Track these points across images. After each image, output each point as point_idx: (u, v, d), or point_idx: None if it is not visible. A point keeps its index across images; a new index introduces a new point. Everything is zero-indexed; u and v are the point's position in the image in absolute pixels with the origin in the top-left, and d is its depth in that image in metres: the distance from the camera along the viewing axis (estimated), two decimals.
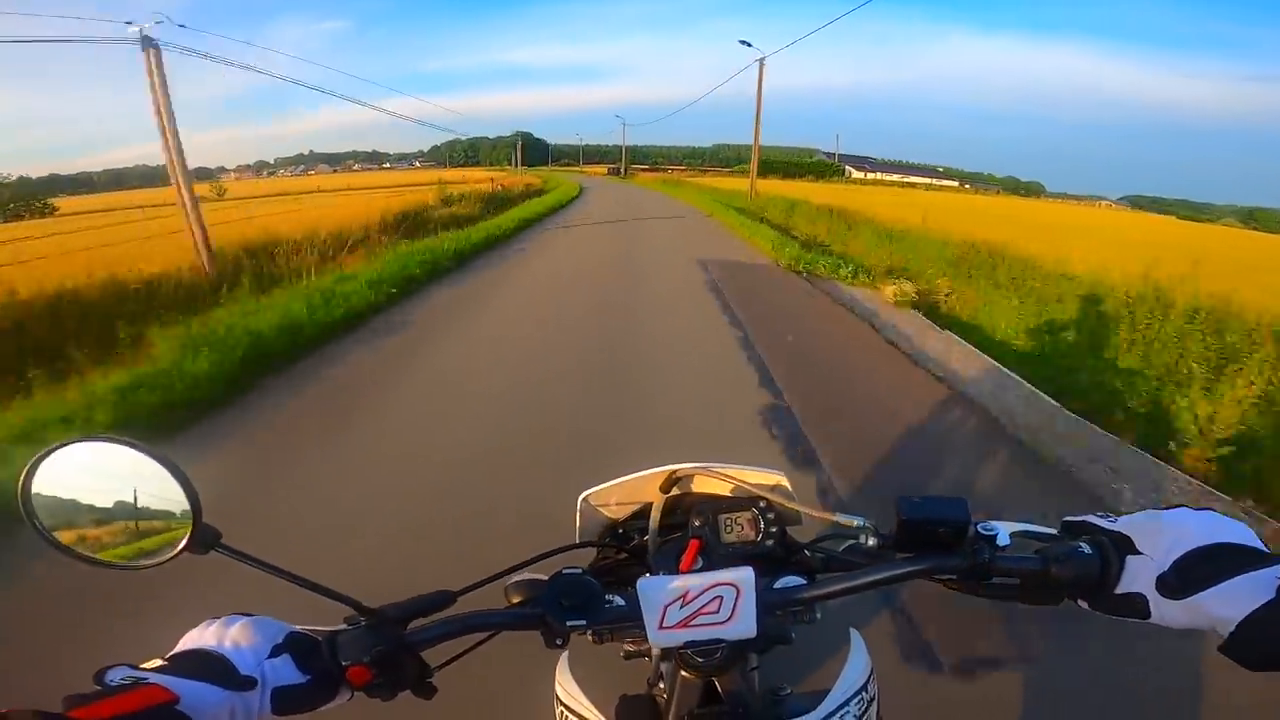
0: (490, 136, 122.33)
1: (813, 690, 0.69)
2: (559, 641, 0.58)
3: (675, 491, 0.79)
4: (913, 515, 0.56)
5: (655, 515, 0.78)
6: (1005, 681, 1.70)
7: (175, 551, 0.50)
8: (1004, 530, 0.56)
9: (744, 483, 0.74)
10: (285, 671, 0.48)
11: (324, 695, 0.50)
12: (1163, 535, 0.48)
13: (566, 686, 0.76)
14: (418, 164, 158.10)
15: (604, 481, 0.80)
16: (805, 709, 0.65)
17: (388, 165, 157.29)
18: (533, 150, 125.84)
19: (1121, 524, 0.51)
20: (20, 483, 0.48)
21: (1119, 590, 0.49)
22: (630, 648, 0.83)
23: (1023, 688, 1.68)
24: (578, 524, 0.83)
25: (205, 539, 0.49)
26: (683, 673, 0.62)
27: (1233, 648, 0.42)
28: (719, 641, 0.56)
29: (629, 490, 0.81)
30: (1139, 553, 0.48)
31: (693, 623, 0.53)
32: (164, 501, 0.50)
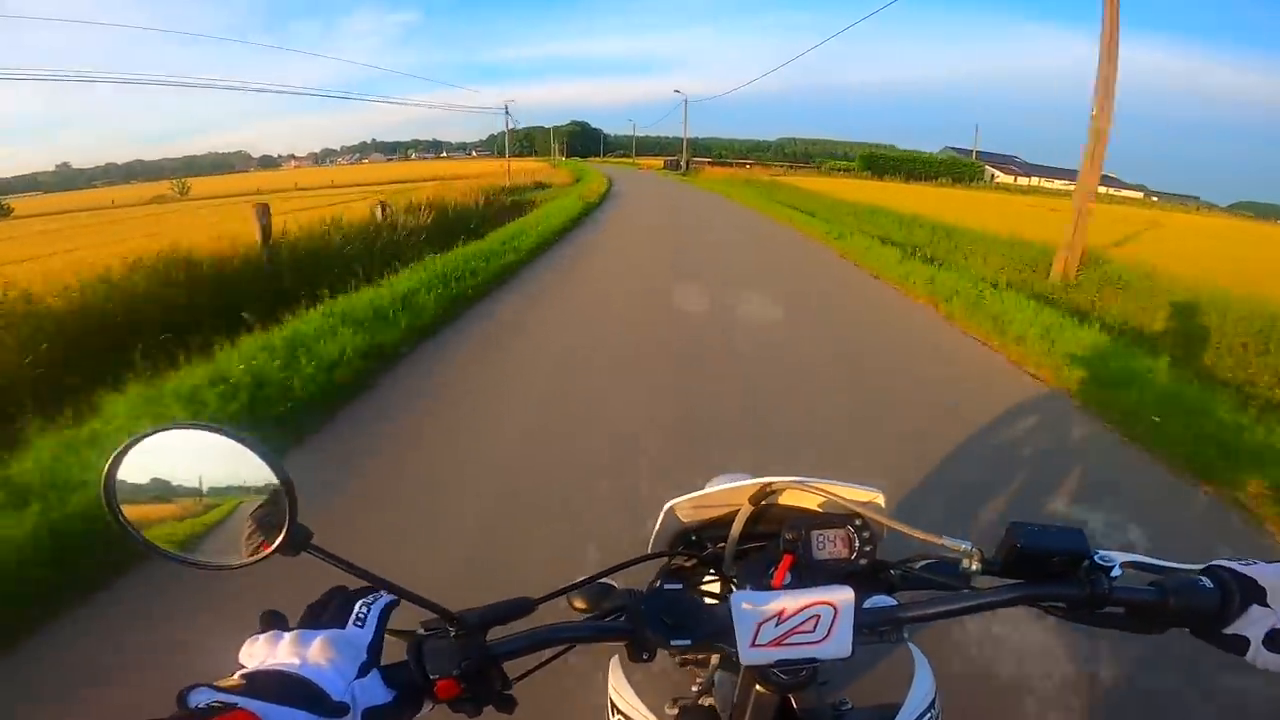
0: (546, 126, 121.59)
1: (876, 705, 0.71)
2: (645, 656, 0.58)
3: (765, 503, 0.78)
4: (1030, 544, 0.56)
5: (739, 523, 0.77)
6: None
7: (268, 551, 0.48)
8: (1119, 560, 0.57)
9: (840, 498, 0.73)
10: (375, 691, 0.47)
11: (410, 710, 0.49)
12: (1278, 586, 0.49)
13: (622, 691, 0.76)
14: (474, 153, 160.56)
15: (691, 491, 0.77)
16: None
17: (444, 155, 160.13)
18: (587, 140, 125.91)
19: (1256, 571, 0.53)
20: (104, 473, 0.46)
21: (1229, 631, 0.52)
22: (688, 654, 0.82)
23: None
24: (656, 530, 0.81)
25: (297, 539, 0.48)
26: (758, 687, 0.63)
27: None
28: (810, 661, 0.55)
29: (716, 500, 0.79)
30: (1266, 605, 0.51)
31: (786, 641, 0.54)
32: (256, 495, 0.48)
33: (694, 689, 0.86)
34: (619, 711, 0.76)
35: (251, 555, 0.49)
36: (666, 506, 0.79)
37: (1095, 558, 0.56)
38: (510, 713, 0.55)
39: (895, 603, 0.62)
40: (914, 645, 0.80)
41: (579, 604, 0.63)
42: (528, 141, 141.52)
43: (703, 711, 0.77)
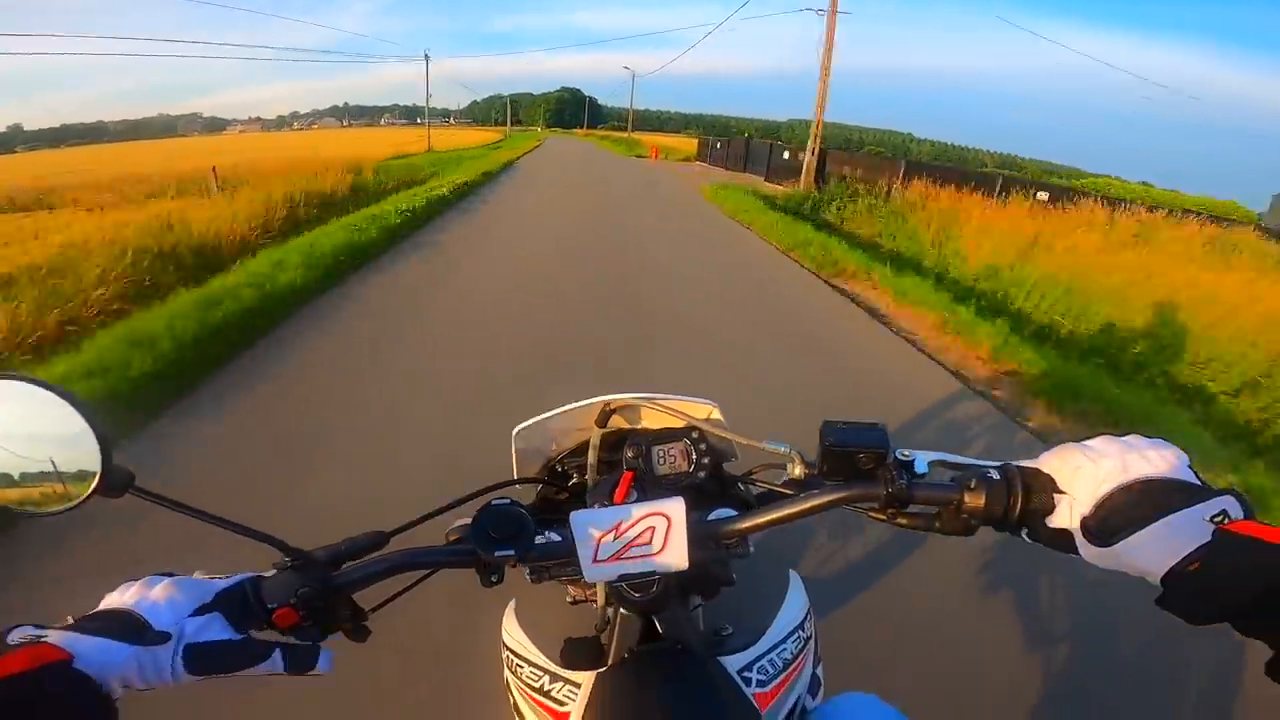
0: (535, 93, 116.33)
1: (752, 630, 0.75)
2: (494, 579, 0.62)
3: (612, 425, 0.84)
4: (836, 441, 0.60)
5: (593, 450, 0.84)
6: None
7: (86, 495, 0.50)
8: (921, 458, 0.60)
9: (676, 412, 0.80)
10: (206, 628, 0.49)
11: (250, 655, 0.50)
12: (1083, 471, 0.49)
13: (513, 633, 0.81)
14: (452, 121, 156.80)
15: (536, 415, 0.82)
16: (744, 645, 0.71)
17: (420, 121, 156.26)
18: (577, 109, 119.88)
19: (1043, 459, 0.54)
20: None
21: (1052, 524, 0.51)
22: (575, 592, 0.96)
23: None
24: (514, 460, 0.87)
25: (118, 481, 0.50)
26: (622, 610, 0.72)
27: (1166, 601, 0.44)
28: (650, 573, 0.61)
29: (564, 424, 0.85)
30: (1062, 491, 0.51)
31: (625, 555, 0.58)
32: (71, 442, 0.50)
33: (594, 627, 0.90)
34: (509, 650, 0.80)
35: (75, 500, 0.51)
36: (514, 432, 0.84)
37: (897, 454, 0.60)
38: (363, 640, 0.59)
39: (734, 513, 0.66)
40: (792, 570, 0.86)
41: (452, 539, 0.66)
42: (514, 108, 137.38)
43: (586, 642, 0.82)
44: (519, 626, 0.81)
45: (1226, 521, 0.42)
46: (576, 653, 0.79)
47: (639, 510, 0.57)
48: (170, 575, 0.52)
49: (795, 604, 0.79)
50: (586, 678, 0.69)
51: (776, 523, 0.62)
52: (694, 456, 0.81)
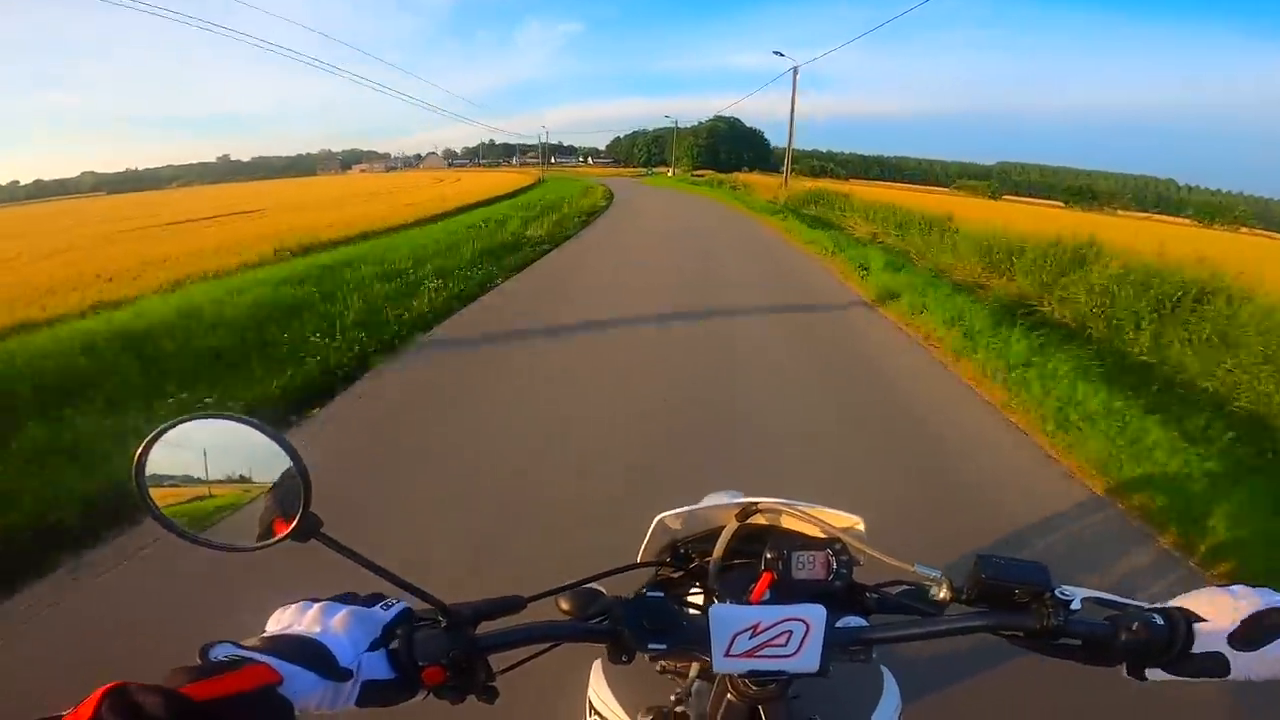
0: (685, 126, 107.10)
1: None
2: (624, 659, 0.71)
3: (750, 521, 0.93)
4: (994, 575, 0.69)
5: (724, 540, 0.92)
6: None
7: (279, 537, 0.60)
8: (1079, 596, 0.69)
9: (822, 523, 0.87)
10: (379, 667, 0.59)
11: (404, 693, 0.62)
12: (1224, 603, 0.64)
13: (600, 693, 0.93)
14: (590, 160, 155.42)
15: (680, 506, 0.95)
16: None
17: (553, 161, 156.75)
18: (736, 145, 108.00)
19: (1186, 599, 0.67)
20: (134, 457, 0.58)
21: (1195, 650, 0.63)
22: (668, 664, 1.01)
23: None
24: (645, 541, 0.97)
25: (307, 527, 0.59)
26: (729, 696, 0.78)
27: None
28: (779, 674, 0.70)
29: (704, 516, 0.95)
30: (1205, 620, 0.64)
31: (759, 653, 0.66)
32: (274, 481, 0.60)
33: (671, 699, 1.00)
34: (596, 712, 0.90)
35: (264, 540, 0.60)
36: (656, 519, 0.94)
37: (1056, 591, 0.68)
38: (491, 703, 0.67)
39: (866, 624, 0.75)
40: (885, 668, 0.98)
41: (565, 606, 0.75)
42: (656, 147, 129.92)
43: (675, 717, 0.91)
44: (607, 688, 0.96)
45: None
46: None
47: (780, 613, 0.66)
48: (340, 600, 0.62)
49: (890, 702, 0.92)
50: None
51: (917, 639, 0.71)
52: (834, 567, 0.87)
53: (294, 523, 0.58)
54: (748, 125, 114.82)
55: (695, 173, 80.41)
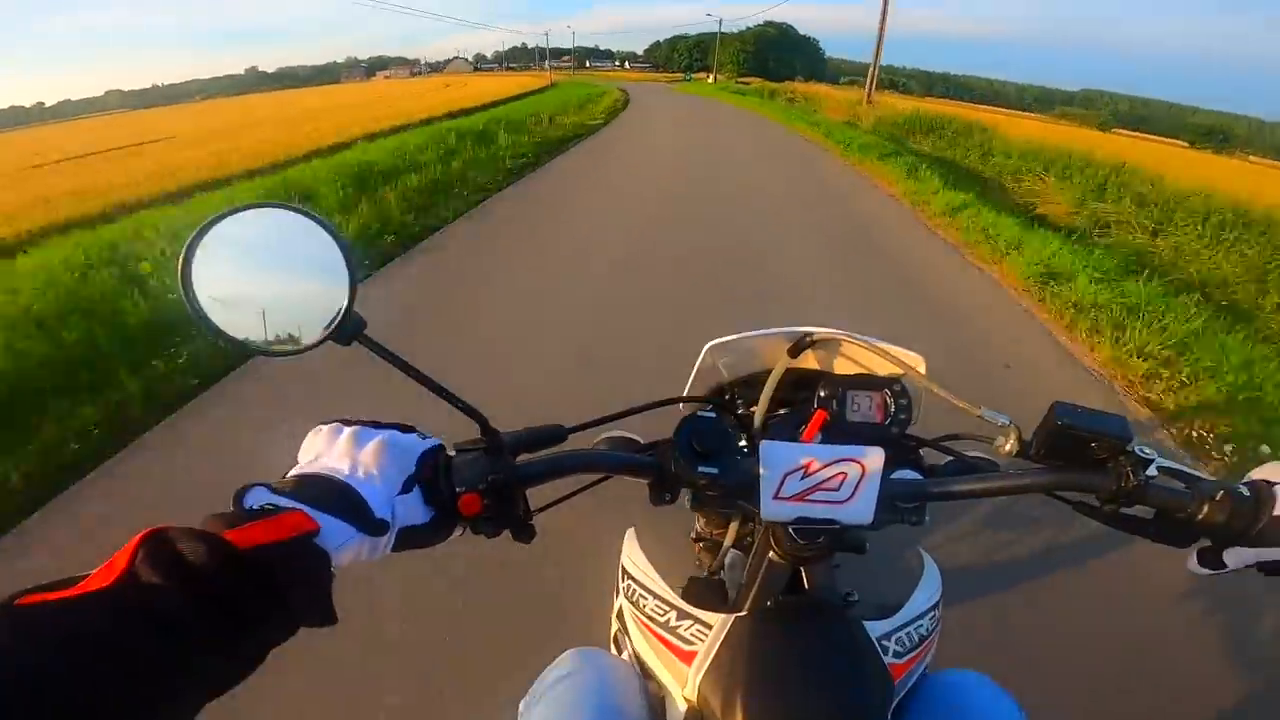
0: (731, 31, 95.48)
1: (884, 602, 0.79)
2: (668, 497, 0.69)
3: (802, 361, 0.90)
4: (1071, 422, 0.61)
5: (774, 378, 0.88)
6: None
7: (318, 339, 0.56)
8: (1156, 462, 0.61)
9: (883, 356, 0.83)
10: (414, 511, 0.57)
11: (441, 532, 0.59)
12: None
13: (637, 562, 0.86)
14: (628, 65, 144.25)
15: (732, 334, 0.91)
16: (880, 615, 0.75)
17: (588, 65, 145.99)
18: (785, 51, 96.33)
19: (1258, 471, 0.63)
20: (180, 257, 0.54)
21: (1274, 514, 0.59)
22: (702, 529, 1.04)
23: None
24: (695, 370, 0.94)
25: (350, 328, 0.56)
26: (772, 554, 0.74)
27: None
28: (830, 523, 0.63)
29: (757, 346, 0.92)
30: None
31: (809, 497, 0.61)
32: (320, 278, 0.56)
33: (705, 572, 0.95)
34: (631, 578, 0.85)
35: (307, 343, 0.57)
36: (707, 346, 0.91)
37: (1137, 449, 0.61)
38: (528, 540, 0.64)
39: (922, 478, 0.72)
40: (925, 552, 0.91)
41: (605, 449, 0.76)
42: (698, 52, 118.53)
43: (712, 583, 0.88)
44: (641, 553, 0.87)
45: None
46: (702, 593, 0.85)
47: (836, 453, 0.60)
48: (371, 424, 0.58)
49: (930, 585, 0.84)
50: (718, 619, 0.74)
51: (974, 495, 0.68)
52: (892, 410, 0.84)
53: (336, 322, 0.55)
54: (801, 32, 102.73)
55: (740, 80, 69.84)
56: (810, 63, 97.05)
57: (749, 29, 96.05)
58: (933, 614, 0.79)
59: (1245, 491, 0.60)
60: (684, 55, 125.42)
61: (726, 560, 0.95)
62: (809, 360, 0.89)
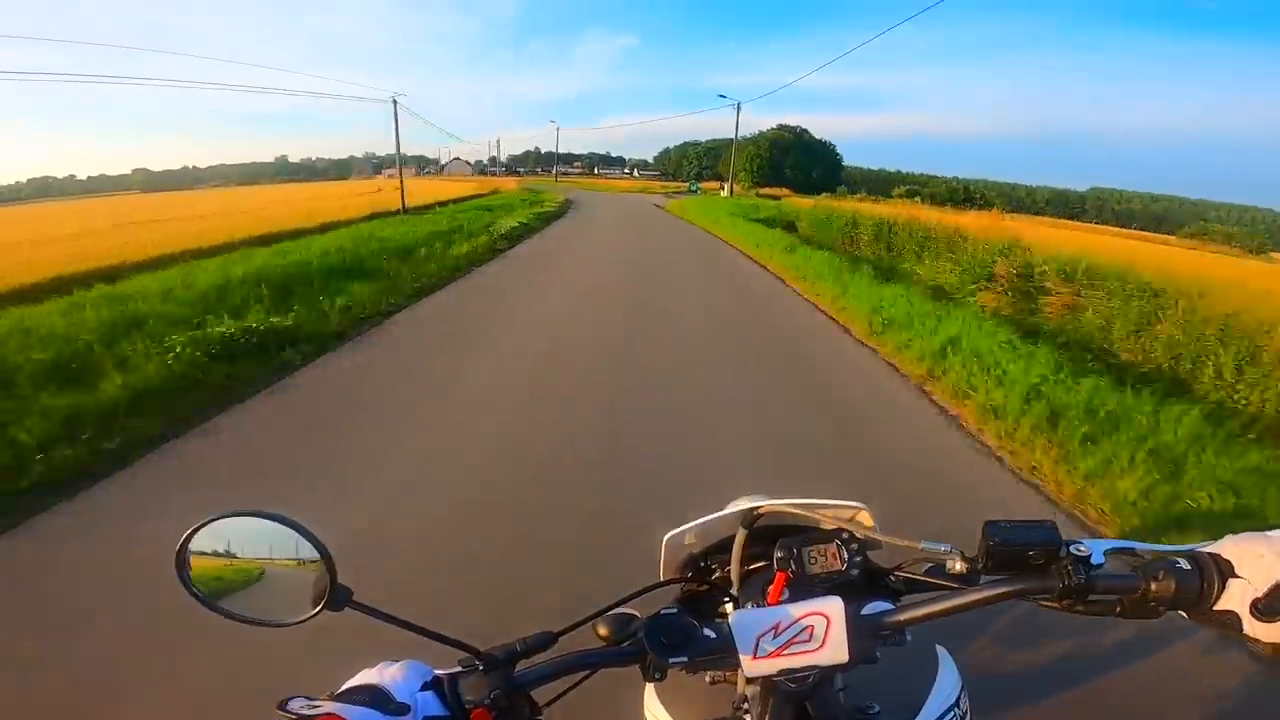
0: (746, 135, 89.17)
1: (902, 706, 0.85)
2: (657, 675, 0.77)
3: (758, 525, 0.98)
4: (1002, 540, 0.69)
5: (737, 549, 0.98)
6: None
7: (315, 610, 0.71)
8: (1099, 548, 0.70)
9: (825, 516, 0.90)
10: (432, 705, 0.69)
11: None
12: (1264, 560, 0.62)
13: (655, 712, 0.98)
14: (636, 172, 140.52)
15: (686, 523, 1.01)
16: None
17: (597, 171, 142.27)
18: (804, 158, 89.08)
19: (1225, 544, 0.67)
20: (176, 551, 0.70)
21: (1216, 607, 0.64)
22: (716, 674, 1.02)
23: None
24: (661, 561, 1.06)
25: (340, 598, 0.69)
26: (775, 697, 0.79)
27: None
28: (811, 668, 0.73)
29: (711, 528, 1.02)
30: (1239, 576, 0.63)
31: (786, 651, 0.71)
32: (304, 565, 0.71)
33: (731, 706, 0.98)
34: None
35: (305, 613, 0.71)
36: (665, 538, 1.03)
37: (1070, 548, 0.69)
38: None
39: (892, 606, 0.80)
40: (940, 646, 0.97)
41: (602, 632, 0.81)
42: (708, 159, 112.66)
43: None
44: (662, 708, 0.98)
45: None
46: None
47: (798, 610, 0.71)
48: (396, 662, 0.73)
49: (948, 681, 0.89)
50: None
51: (943, 614, 0.73)
52: (846, 556, 0.90)
53: (326, 597, 0.69)
54: (814, 138, 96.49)
55: (762, 192, 57.43)
56: (828, 169, 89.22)
57: (762, 134, 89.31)
58: (952, 713, 0.85)
59: (1187, 567, 0.66)
60: (693, 163, 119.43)
61: (748, 694, 0.92)
62: (765, 521, 0.98)
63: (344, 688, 0.66)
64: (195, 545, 0.68)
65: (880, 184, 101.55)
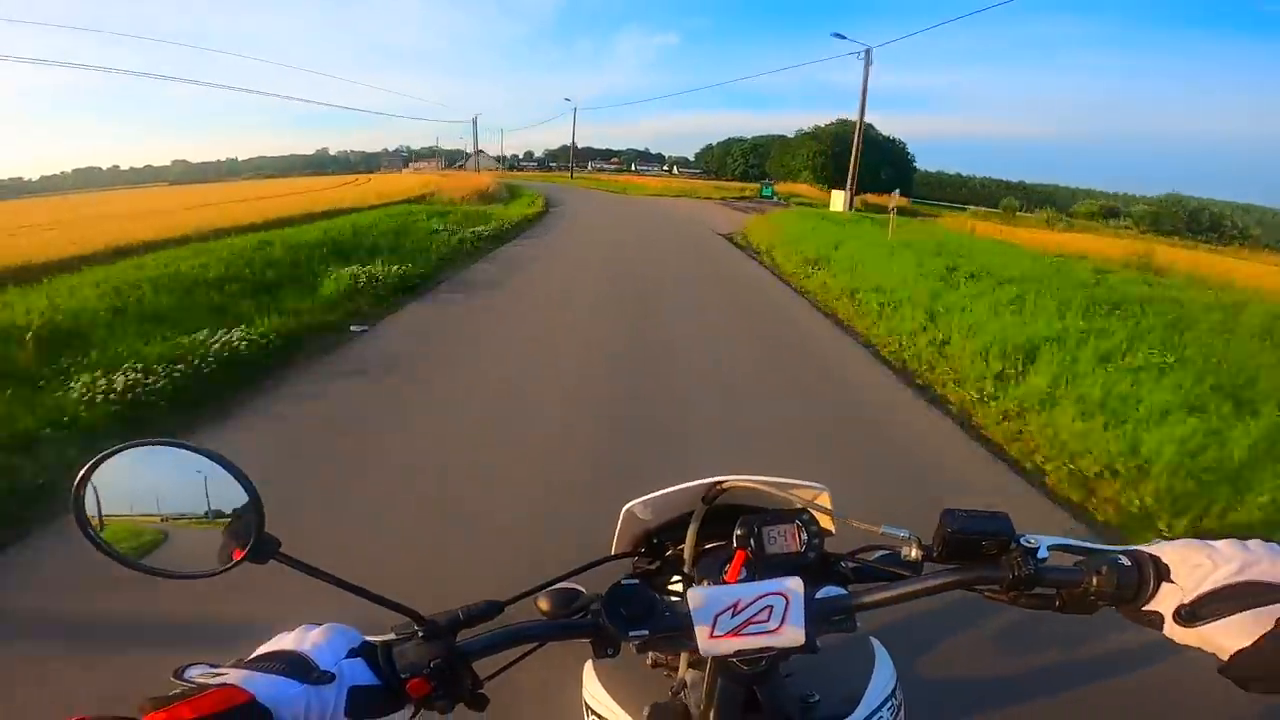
0: (789, 134, 78.76)
1: (842, 698, 0.87)
2: (610, 651, 0.73)
3: (719, 503, 0.97)
4: (959, 528, 0.70)
5: (694, 524, 0.97)
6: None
7: (234, 561, 0.60)
8: (1045, 544, 0.70)
9: (788, 495, 0.91)
10: (361, 672, 0.59)
11: (391, 704, 0.61)
12: (1200, 570, 0.63)
13: (595, 693, 0.94)
14: (676, 170, 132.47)
15: (647, 493, 0.97)
16: (839, 715, 0.84)
17: (634, 169, 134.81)
18: (869, 154, 78.72)
19: (1165, 548, 0.67)
20: (73, 487, 0.58)
21: (1145, 607, 0.66)
22: (658, 655, 1.03)
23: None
24: (617, 533, 1.04)
25: (265, 548, 0.59)
26: (723, 679, 0.80)
27: (1227, 671, 0.59)
28: (767, 649, 0.70)
29: (671, 501, 0.98)
30: (1172, 581, 0.64)
31: (743, 631, 0.67)
32: (224, 506, 0.59)
33: (669, 692, 0.98)
34: (593, 713, 0.90)
35: (222, 564, 0.60)
36: (625, 509, 0.99)
37: (1021, 540, 0.70)
38: (482, 710, 0.68)
39: (845, 592, 0.78)
40: (875, 639, 1.00)
41: (544, 607, 0.78)
42: (755, 157, 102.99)
43: (674, 709, 0.89)
44: (601, 688, 0.95)
45: None
46: (666, 719, 0.88)
47: (758, 589, 0.67)
48: (326, 624, 0.63)
49: (884, 673, 0.92)
50: None
51: (896, 600, 0.73)
52: (805, 538, 0.89)
53: (250, 545, 0.59)
54: (880, 135, 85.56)
55: (865, 199, 37.05)
56: (899, 172, 76.25)
57: (821, 127, 79.35)
58: (890, 703, 0.88)
59: (1126, 563, 0.67)
60: (738, 160, 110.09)
61: (688, 679, 0.96)
62: (725, 498, 0.96)
63: (256, 653, 0.59)
64: (99, 479, 0.58)
65: (952, 188, 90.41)
